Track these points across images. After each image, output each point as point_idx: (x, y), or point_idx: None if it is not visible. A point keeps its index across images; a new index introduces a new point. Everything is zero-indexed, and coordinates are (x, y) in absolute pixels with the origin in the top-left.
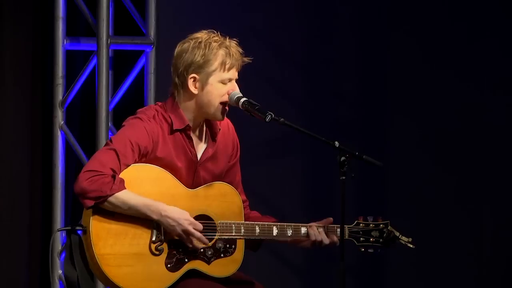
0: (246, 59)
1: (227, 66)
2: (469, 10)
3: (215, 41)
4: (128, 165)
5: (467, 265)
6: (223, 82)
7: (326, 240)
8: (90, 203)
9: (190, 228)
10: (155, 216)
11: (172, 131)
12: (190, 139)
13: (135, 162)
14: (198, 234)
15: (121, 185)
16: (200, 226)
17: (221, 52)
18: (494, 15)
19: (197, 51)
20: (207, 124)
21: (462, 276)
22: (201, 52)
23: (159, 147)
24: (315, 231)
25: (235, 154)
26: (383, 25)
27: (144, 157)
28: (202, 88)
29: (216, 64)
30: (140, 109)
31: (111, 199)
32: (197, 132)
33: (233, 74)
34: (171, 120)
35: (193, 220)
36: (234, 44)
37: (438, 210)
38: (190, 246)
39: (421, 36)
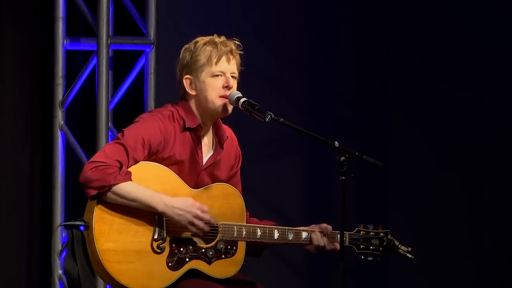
0: (238, 51)
1: (214, 60)
2: (470, 11)
3: (202, 40)
4: (137, 160)
5: (467, 265)
6: (214, 77)
7: (329, 246)
8: (93, 192)
9: (199, 213)
10: (160, 207)
11: (184, 129)
12: (199, 141)
13: (145, 158)
14: (207, 217)
15: (127, 177)
16: (206, 208)
17: (208, 47)
18: (494, 17)
19: (187, 53)
20: (215, 131)
21: (462, 276)
22: (190, 53)
23: (169, 146)
24: (318, 237)
25: (236, 164)
26: (383, 25)
27: (154, 155)
28: (196, 87)
29: (203, 59)
30: (155, 109)
31: (115, 189)
32: (205, 137)
33: (223, 67)
34: (184, 120)
35: (198, 204)
36: (226, 41)
37: (438, 210)
38: (200, 231)
39: (421, 36)
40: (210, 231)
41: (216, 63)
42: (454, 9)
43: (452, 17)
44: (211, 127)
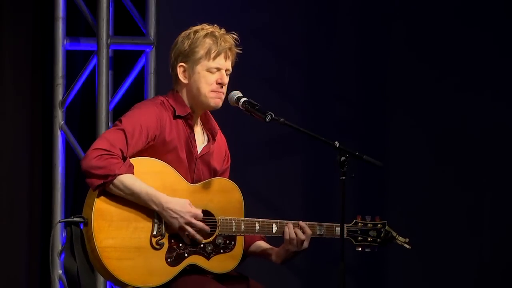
0: (236, 49)
1: (212, 55)
2: (470, 10)
3: (203, 31)
4: (135, 148)
5: (467, 265)
6: (210, 71)
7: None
8: (97, 182)
9: (192, 220)
10: (156, 207)
11: (175, 117)
12: (192, 130)
13: (143, 144)
14: (200, 224)
15: (130, 169)
16: (201, 215)
17: (208, 40)
18: (495, 16)
19: (186, 40)
20: (206, 124)
21: (462, 276)
22: (189, 41)
23: (166, 131)
24: (291, 229)
25: (226, 160)
26: (383, 25)
27: (153, 140)
28: (190, 77)
29: (201, 52)
30: (146, 99)
31: (118, 179)
32: (197, 128)
33: (220, 63)
34: (174, 108)
35: (194, 210)
36: (226, 35)
37: (438, 210)
38: (190, 237)
39: (421, 36)
40: (205, 234)
41: (214, 58)
42: (454, 9)
43: (452, 17)
44: (199, 120)
